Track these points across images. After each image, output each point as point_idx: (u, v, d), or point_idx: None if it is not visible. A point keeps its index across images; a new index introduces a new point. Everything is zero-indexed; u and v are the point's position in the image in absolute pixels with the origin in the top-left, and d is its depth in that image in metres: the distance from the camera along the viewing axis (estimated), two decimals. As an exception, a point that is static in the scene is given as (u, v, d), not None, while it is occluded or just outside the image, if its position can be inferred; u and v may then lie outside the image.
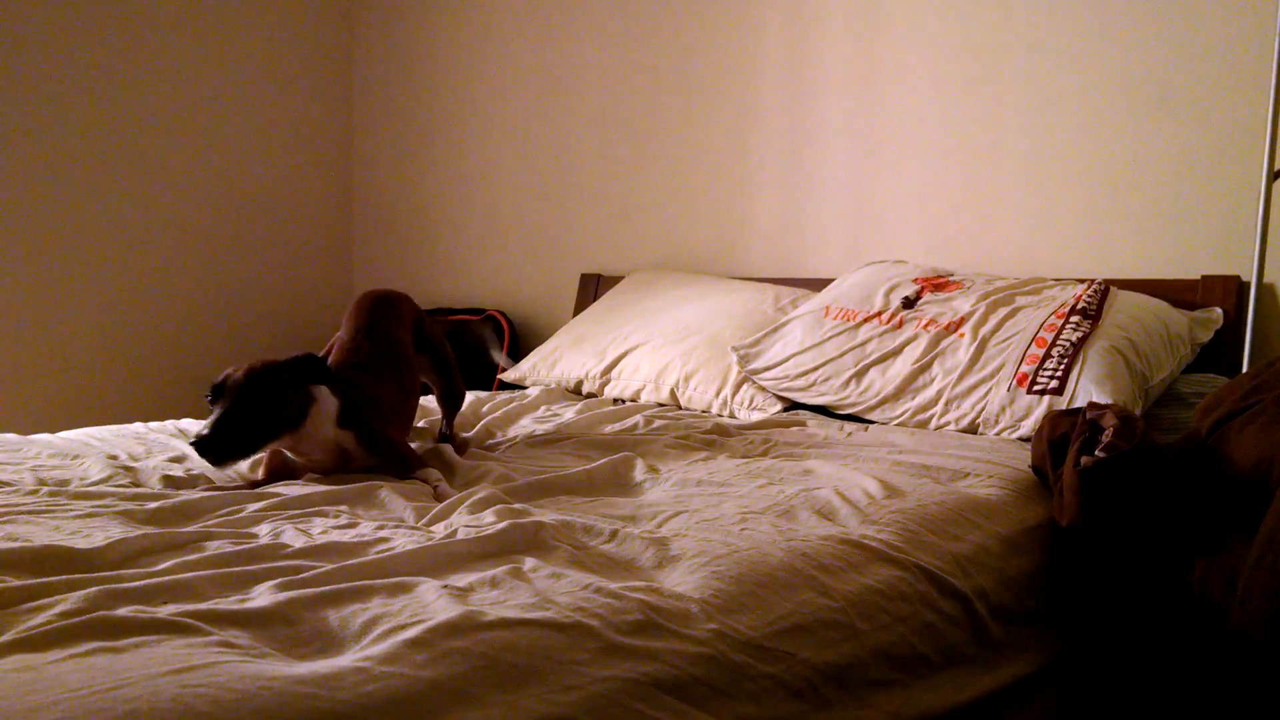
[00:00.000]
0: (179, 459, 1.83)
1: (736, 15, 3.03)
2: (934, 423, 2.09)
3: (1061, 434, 1.68)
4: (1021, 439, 1.96)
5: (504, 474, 1.71)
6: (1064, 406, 1.92)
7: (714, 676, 1.03)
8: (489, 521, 1.33)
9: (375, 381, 1.80)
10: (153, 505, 1.43)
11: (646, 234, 3.27)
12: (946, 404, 2.09)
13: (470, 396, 2.51)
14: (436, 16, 3.76)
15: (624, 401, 2.57)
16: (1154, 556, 1.53)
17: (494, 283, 3.66)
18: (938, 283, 2.39)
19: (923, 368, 2.16)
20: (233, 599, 1.04)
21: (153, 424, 2.15)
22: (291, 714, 0.80)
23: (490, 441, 2.08)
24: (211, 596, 1.05)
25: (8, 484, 1.55)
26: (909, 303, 2.33)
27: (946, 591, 1.34)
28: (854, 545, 1.32)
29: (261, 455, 1.69)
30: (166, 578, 1.08)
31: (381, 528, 1.35)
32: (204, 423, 1.55)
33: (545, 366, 2.79)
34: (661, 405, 2.50)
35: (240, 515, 1.40)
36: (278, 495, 1.51)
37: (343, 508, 1.46)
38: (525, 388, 2.79)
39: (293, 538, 1.28)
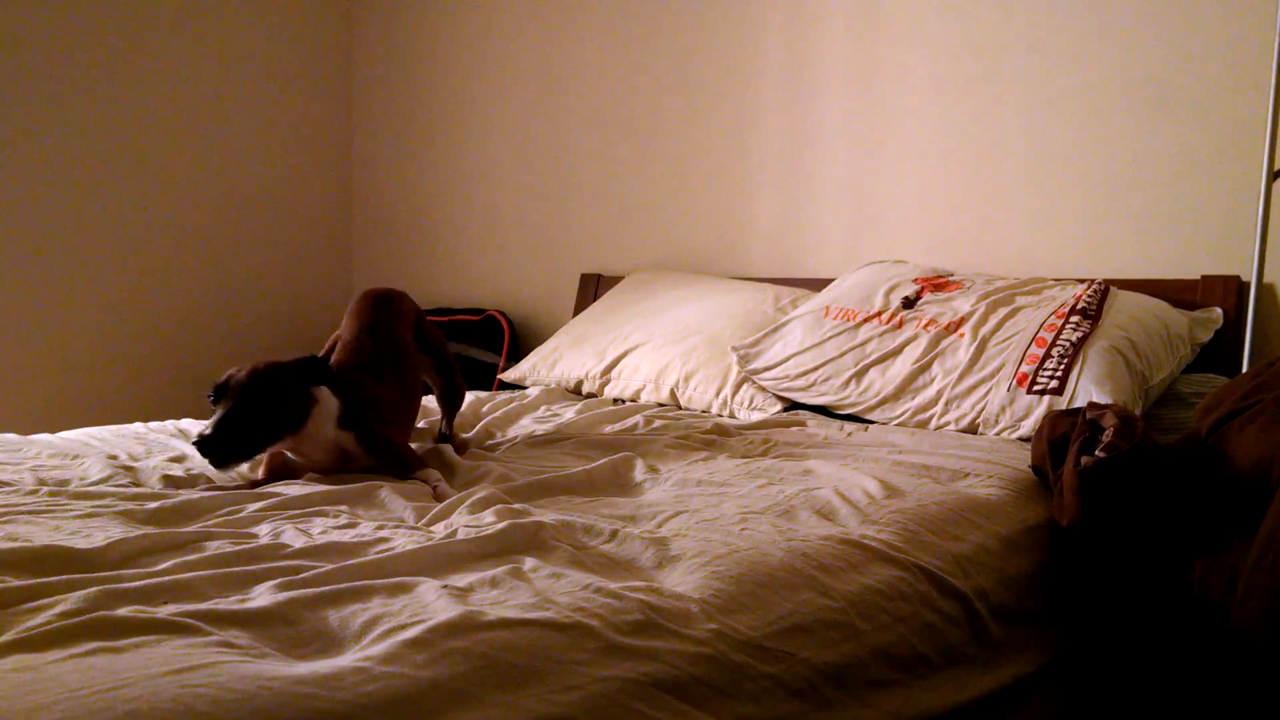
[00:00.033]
0: (179, 459, 1.83)
1: (736, 15, 3.03)
2: (934, 423, 2.09)
3: (1061, 434, 1.68)
4: (1021, 439, 1.96)
5: (504, 474, 1.71)
6: (1064, 406, 1.92)
7: (714, 676, 1.03)
8: (489, 521, 1.33)
9: (377, 382, 1.80)
10: (153, 505, 1.43)
11: (646, 234, 3.27)
12: (946, 404, 2.09)
13: (470, 396, 2.52)
14: (436, 16, 3.76)
15: (624, 401, 2.57)
16: (1154, 556, 1.53)
17: (494, 283, 3.66)
18: (938, 283, 2.39)
19: (923, 368, 2.16)
20: (233, 599, 1.04)
21: (153, 424, 2.15)
22: (291, 714, 0.80)
23: (490, 441, 2.08)
24: (211, 596, 1.05)
25: (8, 484, 1.55)
26: (909, 303, 2.33)
27: (946, 591, 1.34)
28: (854, 545, 1.32)
29: (262, 456, 1.69)
30: (166, 578, 1.08)
31: (381, 528, 1.35)
32: (206, 423, 1.55)
33: (545, 366, 2.79)
34: (661, 405, 2.50)
35: (240, 515, 1.40)
36: (278, 495, 1.51)
37: (343, 508, 1.46)
38: (525, 388, 2.79)
39: (293, 538, 1.28)
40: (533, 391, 2.65)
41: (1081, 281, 2.30)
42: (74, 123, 3.27)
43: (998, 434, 2.01)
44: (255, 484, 1.67)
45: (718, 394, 2.43)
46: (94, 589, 1.01)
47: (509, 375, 2.89)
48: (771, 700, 1.07)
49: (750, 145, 3.03)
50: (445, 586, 1.07)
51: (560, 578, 1.13)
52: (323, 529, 1.34)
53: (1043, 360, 2.03)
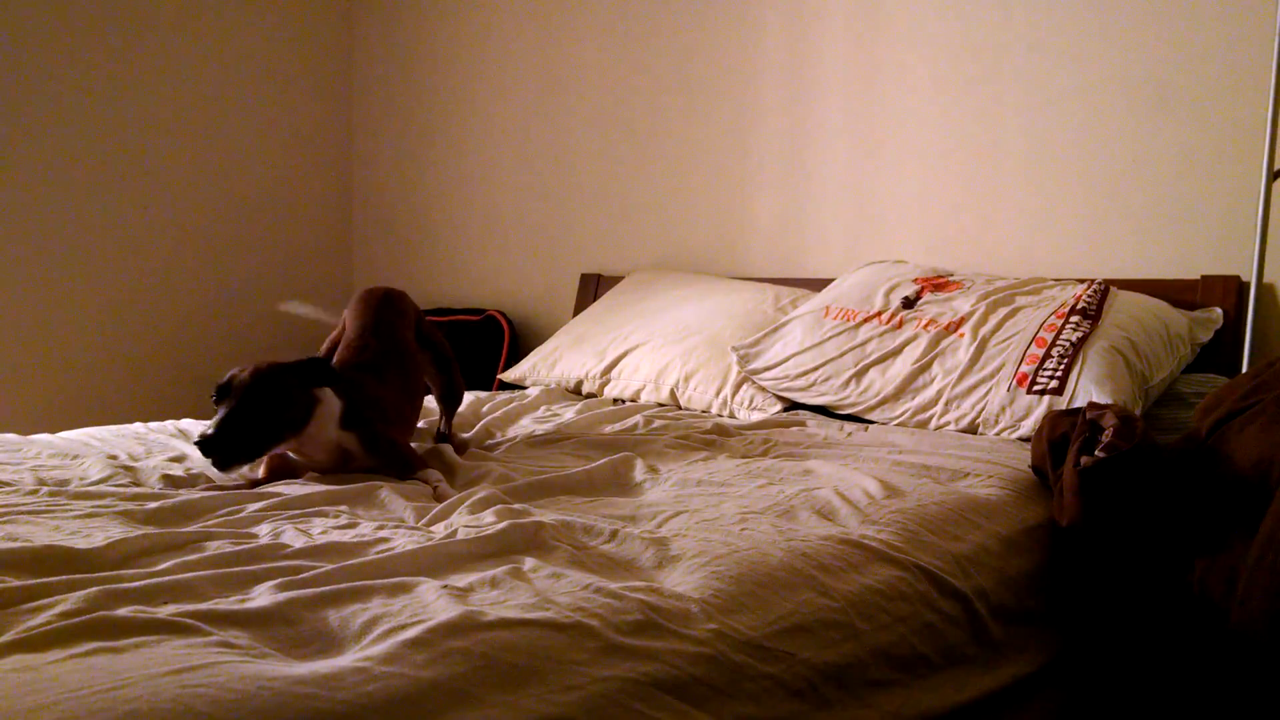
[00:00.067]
0: (179, 459, 1.83)
1: (736, 15, 3.03)
2: (934, 423, 2.09)
3: (1061, 434, 1.68)
4: (1021, 439, 1.96)
5: (504, 474, 1.71)
6: (1064, 406, 1.92)
7: (714, 676, 1.03)
8: (489, 522, 1.33)
9: (379, 382, 1.79)
10: (153, 505, 1.43)
11: (646, 234, 3.27)
12: (946, 404, 2.09)
13: (470, 396, 2.52)
14: (436, 16, 3.76)
15: (624, 401, 2.57)
16: (1154, 556, 1.53)
17: (494, 283, 3.66)
18: (938, 283, 2.39)
19: (923, 368, 2.16)
20: (233, 599, 1.04)
21: (153, 424, 2.15)
22: (291, 714, 0.80)
23: (490, 441, 2.08)
24: (211, 596, 1.05)
25: (8, 484, 1.55)
26: (909, 303, 2.33)
27: (946, 591, 1.34)
28: (854, 545, 1.32)
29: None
30: (166, 578, 1.08)
31: (381, 528, 1.35)
32: (208, 423, 1.55)
33: (545, 366, 2.79)
34: (661, 405, 2.50)
35: (240, 515, 1.40)
36: (278, 495, 1.51)
37: (343, 508, 1.46)
38: (525, 388, 2.79)
39: (293, 538, 1.28)
40: (533, 391, 2.65)
41: (1081, 281, 2.30)
42: (74, 123, 3.27)
43: (998, 434, 2.01)
44: (255, 484, 1.67)
45: (718, 394, 2.43)
46: (94, 589, 1.01)
47: (509, 375, 2.89)
48: (771, 700, 1.07)
49: (750, 145, 3.03)
50: (445, 586, 1.07)
51: (560, 578, 1.13)
52: (323, 529, 1.34)
53: (1043, 360, 2.03)
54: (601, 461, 1.75)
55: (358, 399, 1.70)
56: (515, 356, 3.29)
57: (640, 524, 1.39)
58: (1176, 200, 2.35)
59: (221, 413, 1.54)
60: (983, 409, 2.04)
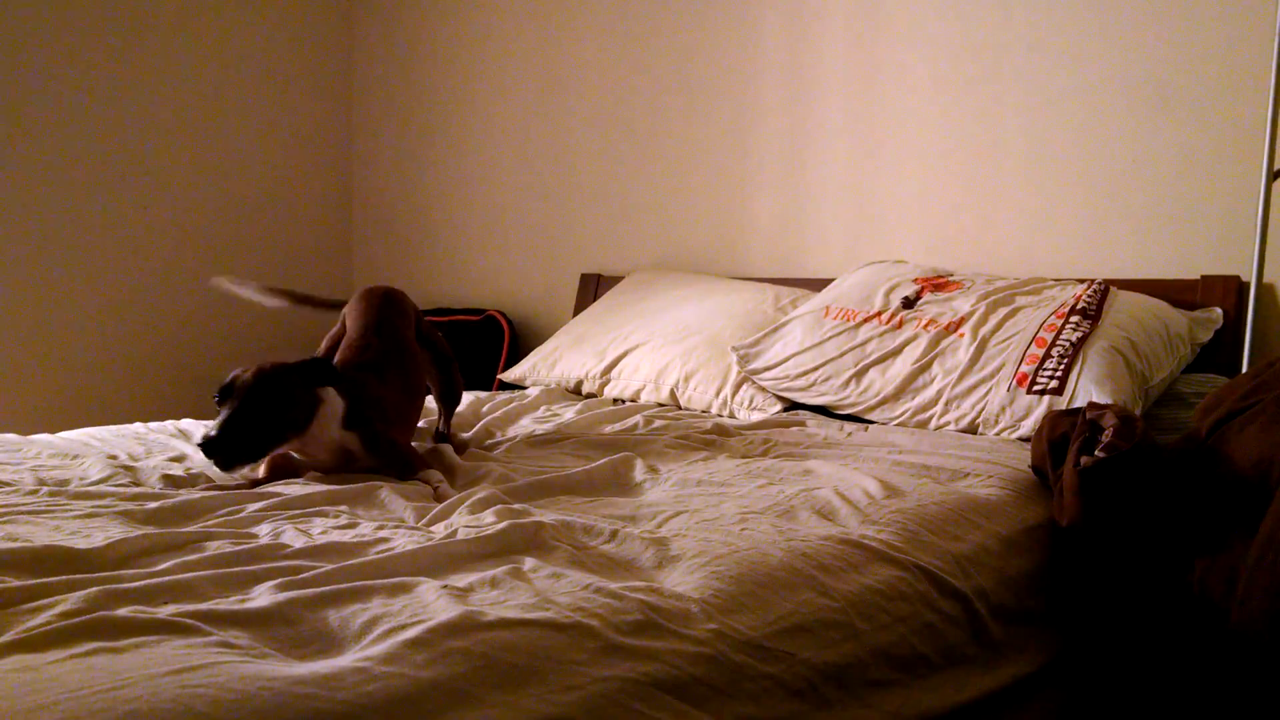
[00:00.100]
0: (179, 459, 1.83)
1: (736, 15, 3.03)
2: (934, 423, 2.09)
3: (1061, 434, 1.68)
4: (1021, 439, 1.96)
5: (504, 474, 1.71)
6: (1064, 406, 1.92)
7: (714, 676, 1.03)
8: (489, 522, 1.33)
9: (380, 382, 1.79)
10: (153, 505, 1.43)
11: (646, 234, 3.27)
12: (946, 404, 2.09)
13: (470, 396, 2.52)
14: (436, 16, 3.76)
15: (624, 401, 2.57)
16: (1154, 556, 1.53)
17: (494, 283, 3.66)
18: (938, 283, 2.39)
19: (923, 368, 2.16)
20: (233, 599, 1.04)
21: (153, 424, 2.15)
22: (291, 714, 0.80)
23: (490, 441, 2.08)
24: (211, 596, 1.04)
25: (8, 484, 1.55)
26: (909, 303, 2.33)
27: (946, 591, 1.34)
28: (854, 545, 1.32)
29: None
30: (166, 578, 1.08)
31: (381, 528, 1.35)
32: (211, 424, 1.55)
33: (545, 366, 2.79)
34: (661, 405, 2.50)
35: (240, 515, 1.40)
36: (278, 495, 1.51)
37: (343, 508, 1.46)
38: (525, 388, 2.79)
39: (293, 538, 1.28)
40: (533, 391, 2.65)
41: (1081, 281, 2.30)
42: (74, 123, 3.27)
43: (998, 434, 2.01)
44: (256, 483, 1.67)
45: (718, 394, 2.43)
46: (94, 589, 1.01)
47: (509, 375, 2.88)
48: (771, 700, 1.07)
49: (750, 145, 3.03)
50: (445, 586, 1.07)
51: (560, 578, 1.13)
52: (323, 529, 1.34)
53: (1043, 360, 2.03)
54: (601, 461, 1.75)
55: (360, 399, 1.70)
56: (515, 356, 3.29)
57: (640, 524, 1.39)
58: (1176, 200, 2.35)
59: (224, 414, 1.54)
60: (983, 409, 2.04)
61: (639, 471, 1.73)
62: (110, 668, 0.83)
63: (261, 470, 1.72)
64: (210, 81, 3.59)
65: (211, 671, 0.83)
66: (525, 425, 2.25)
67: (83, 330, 3.34)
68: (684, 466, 1.77)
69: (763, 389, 2.38)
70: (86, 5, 3.27)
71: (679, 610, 1.07)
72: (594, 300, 3.17)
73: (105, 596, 1.00)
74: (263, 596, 1.04)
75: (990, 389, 2.05)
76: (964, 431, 2.05)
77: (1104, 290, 2.21)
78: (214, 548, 1.23)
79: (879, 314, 2.33)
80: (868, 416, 2.20)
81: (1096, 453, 1.55)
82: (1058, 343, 2.06)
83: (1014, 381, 2.03)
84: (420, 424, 2.19)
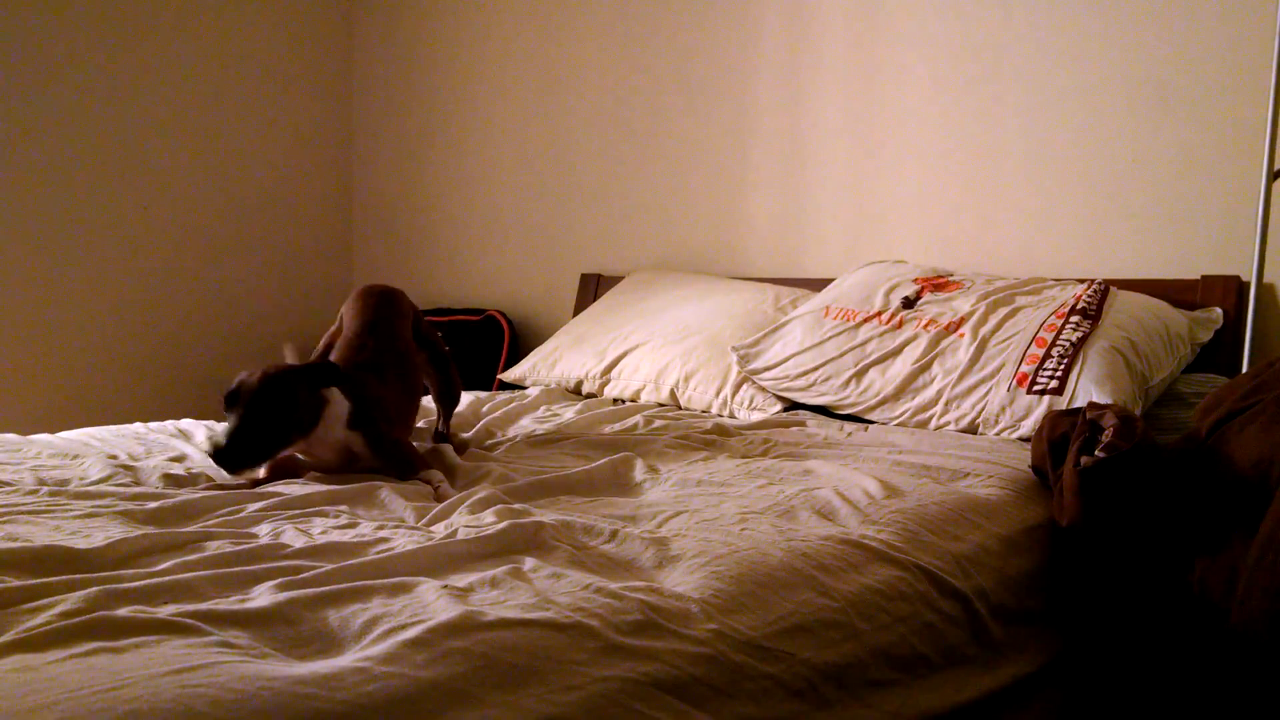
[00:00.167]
0: (179, 459, 1.83)
1: (735, 15, 3.03)
2: (934, 423, 2.09)
3: (1061, 434, 1.68)
4: (1021, 439, 1.96)
5: (504, 474, 1.71)
6: (1064, 406, 1.92)
7: (714, 676, 1.03)
8: (489, 521, 1.33)
9: (380, 382, 1.80)
10: (153, 505, 1.43)
11: (646, 234, 3.27)
12: (946, 404, 2.09)
13: (470, 396, 2.52)
14: (436, 16, 3.76)
15: (624, 401, 2.57)
16: (1154, 556, 1.53)
17: (494, 283, 3.66)
18: (938, 283, 2.39)
19: (923, 368, 2.16)
20: (233, 599, 1.04)
21: (153, 424, 2.15)
22: (291, 714, 0.80)
23: (490, 441, 2.08)
24: (211, 596, 1.04)
25: (8, 484, 1.55)
26: (909, 303, 2.33)
27: (946, 591, 1.34)
28: (854, 545, 1.32)
29: None
30: (166, 578, 1.08)
31: (381, 528, 1.35)
32: (220, 430, 1.56)
33: (545, 366, 2.79)
34: (661, 405, 2.50)
35: (240, 515, 1.40)
36: (278, 495, 1.51)
37: (343, 508, 1.46)
38: (525, 388, 2.79)
39: (293, 538, 1.28)
40: (533, 391, 2.65)
41: (1081, 281, 2.30)
42: (74, 123, 3.27)
43: (998, 434, 2.01)
44: (256, 483, 1.67)
45: (718, 394, 2.43)
46: (94, 589, 1.01)
47: (509, 375, 2.88)
48: (771, 700, 1.07)
49: (750, 145, 3.03)
50: (445, 586, 1.07)
51: (560, 578, 1.13)
52: (323, 529, 1.34)
53: (1043, 360, 2.03)
54: (601, 461, 1.75)
55: (363, 399, 1.70)
56: (515, 356, 3.29)
57: (640, 524, 1.39)
58: (1176, 200, 2.35)
59: (232, 421, 1.55)
60: (983, 409, 2.04)
61: (639, 471, 1.73)
62: (110, 668, 0.83)
63: (262, 470, 1.72)
64: (210, 81, 3.59)
65: (211, 671, 0.83)
66: (525, 425, 2.25)
67: (83, 330, 3.34)
68: (684, 466, 1.77)
69: (763, 389, 2.38)
70: (86, 5, 3.27)
71: (679, 610, 1.07)
72: (594, 300, 3.17)
73: (105, 596, 1.00)
74: (263, 596, 1.04)
75: (990, 389, 2.05)
76: (964, 431, 2.05)
77: (1104, 290, 2.21)
78: (214, 548, 1.23)
79: (879, 314, 2.33)
80: (868, 416, 2.20)
81: (1097, 453, 1.55)
82: (1058, 343, 2.06)
83: (1014, 381, 2.03)
84: (420, 424, 2.19)
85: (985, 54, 2.60)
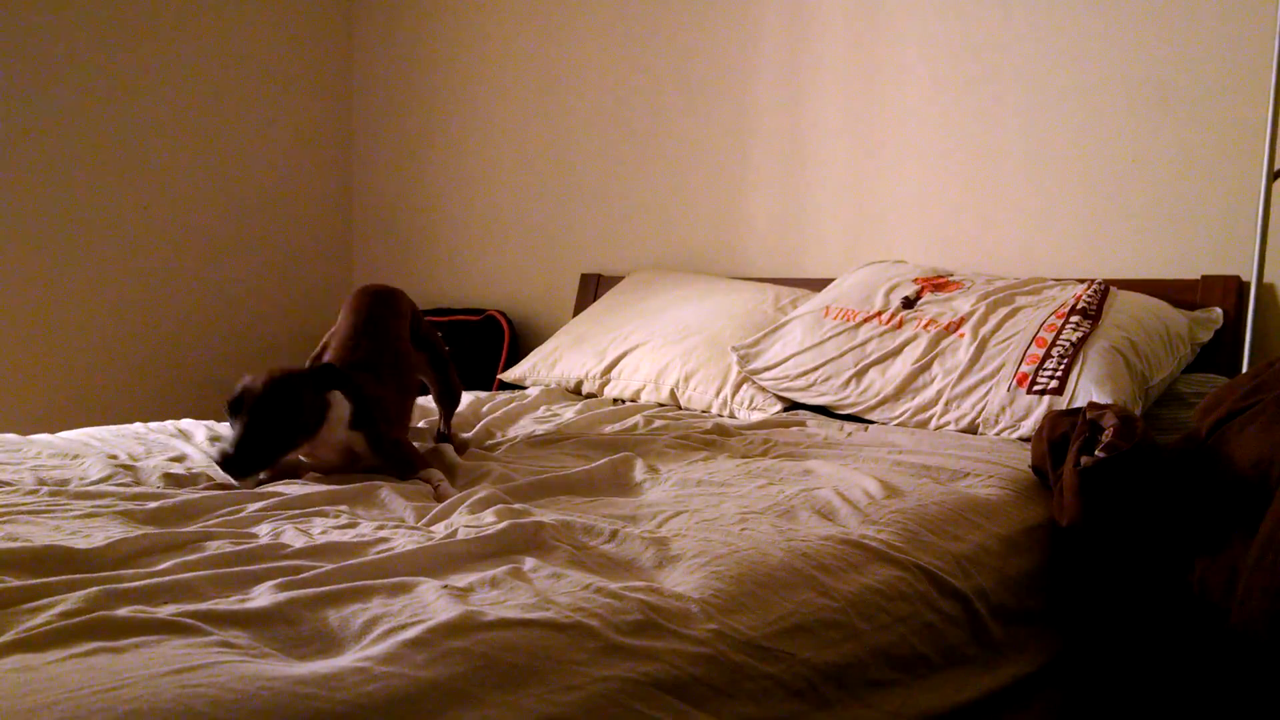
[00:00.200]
0: (179, 459, 1.83)
1: (735, 15, 3.03)
2: (934, 423, 2.09)
3: (1061, 434, 1.68)
4: (1021, 439, 1.96)
5: (504, 474, 1.71)
6: (1064, 406, 1.92)
7: (714, 676, 1.03)
8: (489, 521, 1.33)
9: (377, 381, 1.80)
10: (153, 505, 1.43)
11: (646, 234, 3.27)
12: (946, 404, 2.09)
13: (470, 396, 2.52)
14: (436, 16, 3.76)
15: (624, 401, 2.57)
16: (1154, 556, 1.53)
17: (494, 283, 3.66)
18: (938, 283, 2.39)
19: (923, 368, 2.16)
20: (233, 599, 1.04)
21: (153, 424, 2.15)
22: (291, 714, 0.80)
23: (490, 441, 2.08)
24: (211, 596, 1.04)
25: (8, 484, 1.55)
26: (909, 303, 2.33)
27: (946, 591, 1.34)
28: (854, 545, 1.32)
29: None
30: (166, 578, 1.08)
31: (381, 528, 1.35)
32: (226, 437, 1.56)
33: (545, 366, 2.79)
34: (661, 405, 2.50)
35: (240, 515, 1.40)
36: (278, 495, 1.51)
37: (343, 508, 1.46)
38: (525, 388, 2.79)
39: (293, 538, 1.28)
40: (533, 391, 2.65)
41: (1081, 281, 2.30)
42: (74, 123, 3.27)
43: (998, 434, 2.01)
44: (257, 483, 1.67)
45: (718, 394, 2.43)
46: (94, 589, 1.01)
47: (509, 375, 2.89)
48: (771, 700, 1.07)
49: (750, 145, 3.03)
50: (445, 586, 1.07)
51: (560, 578, 1.13)
52: (323, 529, 1.34)
53: (1043, 360, 2.03)
54: (601, 461, 1.75)
55: (363, 399, 1.71)
56: (515, 356, 3.29)
57: (640, 524, 1.39)
58: (1176, 200, 2.35)
59: (239, 427, 1.55)
60: (983, 409, 2.04)
61: (639, 471, 1.73)
62: (110, 668, 0.83)
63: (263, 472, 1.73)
64: (210, 81, 3.59)
65: (212, 671, 0.83)
66: (525, 425, 2.25)
67: (83, 330, 3.34)
68: (684, 466, 1.77)
69: (763, 389, 2.38)
70: (86, 5, 3.27)
71: (679, 610, 1.07)
72: (594, 300, 3.17)
73: (105, 596, 1.00)
74: (263, 596, 1.04)
75: (990, 389, 2.05)
76: (964, 431, 2.05)
77: (1104, 290, 2.21)
78: (214, 548, 1.23)
79: (879, 314, 2.33)
80: (868, 416, 2.20)
81: (1097, 453, 1.55)
82: (1058, 343, 2.06)
83: (1014, 381, 2.03)
84: (421, 424, 2.19)
85: (985, 54, 2.60)
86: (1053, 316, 2.14)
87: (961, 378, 2.10)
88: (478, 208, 3.70)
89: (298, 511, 1.42)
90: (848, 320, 2.35)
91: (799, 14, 2.91)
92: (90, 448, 1.87)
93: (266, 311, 3.79)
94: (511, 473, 1.73)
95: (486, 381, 3.21)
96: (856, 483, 1.61)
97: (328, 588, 1.05)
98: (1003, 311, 2.21)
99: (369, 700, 0.83)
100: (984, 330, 2.17)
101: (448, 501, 1.48)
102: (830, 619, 1.18)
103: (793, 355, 2.33)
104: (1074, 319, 2.11)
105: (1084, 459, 1.55)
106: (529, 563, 1.18)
